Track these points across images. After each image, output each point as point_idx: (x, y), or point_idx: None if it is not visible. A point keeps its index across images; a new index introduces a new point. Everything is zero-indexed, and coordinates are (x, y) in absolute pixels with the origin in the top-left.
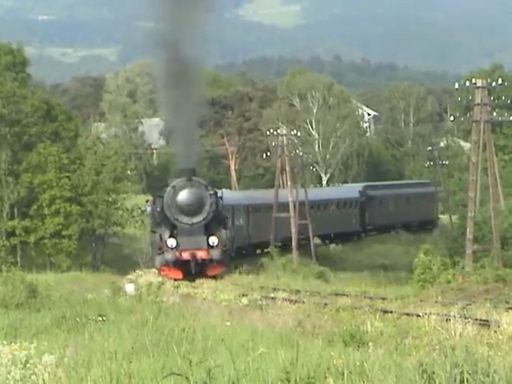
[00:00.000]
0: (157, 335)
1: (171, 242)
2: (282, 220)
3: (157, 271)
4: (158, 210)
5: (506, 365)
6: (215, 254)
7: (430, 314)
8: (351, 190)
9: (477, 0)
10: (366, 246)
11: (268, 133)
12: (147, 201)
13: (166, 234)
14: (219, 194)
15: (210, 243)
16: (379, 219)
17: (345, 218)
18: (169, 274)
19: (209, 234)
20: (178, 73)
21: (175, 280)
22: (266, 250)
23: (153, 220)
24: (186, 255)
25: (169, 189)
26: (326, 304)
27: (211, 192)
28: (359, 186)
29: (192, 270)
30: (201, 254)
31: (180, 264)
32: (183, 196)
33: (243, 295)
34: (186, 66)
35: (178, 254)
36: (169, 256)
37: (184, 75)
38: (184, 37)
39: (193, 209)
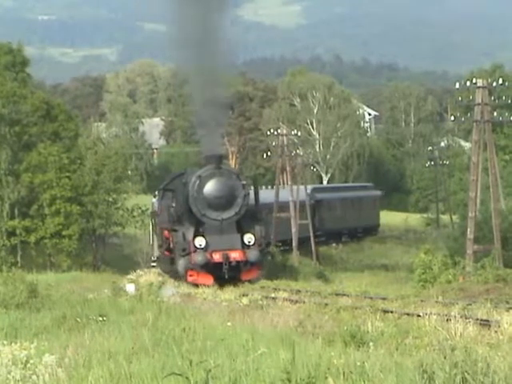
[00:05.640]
0: (157, 335)
1: (200, 242)
2: None
3: (181, 278)
4: (174, 205)
5: (505, 365)
6: (252, 254)
7: (431, 313)
8: (300, 192)
9: (477, 0)
10: (367, 246)
11: (268, 133)
12: (155, 196)
13: (190, 232)
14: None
15: (246, 242)
16: (327, 224)
17: (285, 225)
18: (198, 280)
19: (242, 231)
20: (205, 70)
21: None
22: None
23: (169, 217)
24: (217, 257)
25: (194, 179)
26: (326, 304)
27: (244, 182)
28: (307, 188)
29: (225, 275)
30: (235, 256)
31: (210, 267)
32: (211, 187)
33: (244, 295)
34: (213, 63)
35: (208, 255)
36: (198, 258)
37: (212, 71)
38: (209, 35)
39: (223, 202)
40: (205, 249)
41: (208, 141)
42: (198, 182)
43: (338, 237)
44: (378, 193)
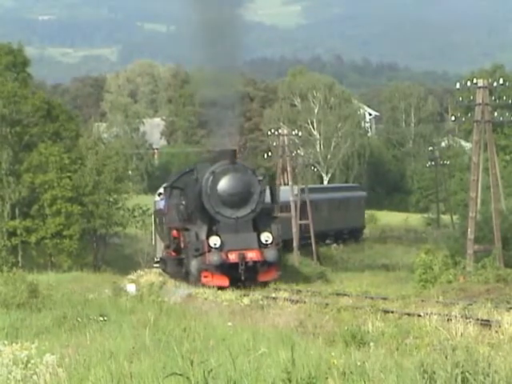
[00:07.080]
0: (158, 335)
1: (214, 241)
2: None
3: (193, 280)
4: (184, 202)
5: (506, 365)
6: (270, 254)
7: (432, 313)
8: (288, 192)
9: (477, 0)
10: (367, 246)
11: (269, 133)
12: (159, 194)
13: (203, 231)
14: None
15: (263, 241)
16: (315, 226)
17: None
18: (212, 282)
19: (259, 230)
20: (217, 67)
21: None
22: None
23: (178, 216)
24: (233, 257)
25: (207, 175)
26: (327, 304)
27: (260, 178)
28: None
29: (241, 276)
30: (251, 255)
31: (226, 268)
32: (226, 183)
33: (244, 295)
34: (225, 61)
35: (223, 255)
36: (213, 258)
37: (223, 69)
38: (220, 34)
39: (238, 199)
40: (220, 248)
41: (219, 136)
42: (211, 178)
43: (324, 239)
44: (364, 193)
